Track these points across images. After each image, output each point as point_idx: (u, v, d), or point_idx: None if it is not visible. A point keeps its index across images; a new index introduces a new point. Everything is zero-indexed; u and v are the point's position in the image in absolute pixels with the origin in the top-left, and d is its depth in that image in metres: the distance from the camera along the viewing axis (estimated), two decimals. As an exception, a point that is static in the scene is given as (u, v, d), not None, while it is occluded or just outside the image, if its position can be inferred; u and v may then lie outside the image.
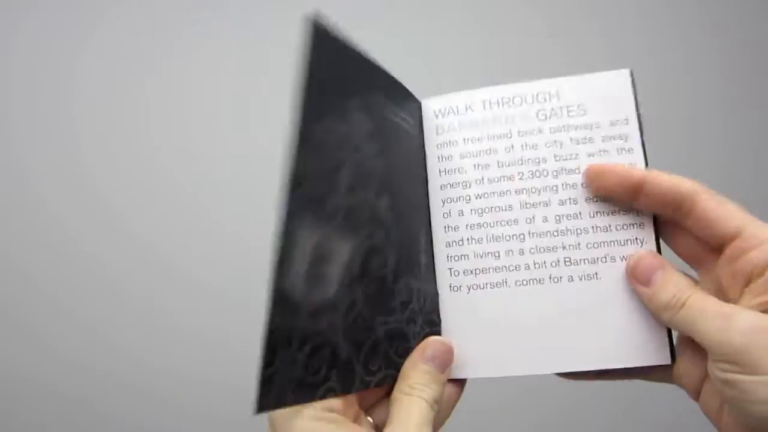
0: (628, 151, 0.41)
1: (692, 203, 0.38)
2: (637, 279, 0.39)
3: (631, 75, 0.43)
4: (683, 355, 0.40)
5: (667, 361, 0.39)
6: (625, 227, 0.41)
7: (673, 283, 0.38)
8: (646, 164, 0.41)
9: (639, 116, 0.42)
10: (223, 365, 0.95)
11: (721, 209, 0.37)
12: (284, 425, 0.35)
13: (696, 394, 0.39)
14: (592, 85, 0.43)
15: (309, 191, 0.32)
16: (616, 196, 0.40)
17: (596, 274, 0.40)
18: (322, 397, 0.34)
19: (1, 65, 1.00)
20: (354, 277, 0.35)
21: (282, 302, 0.30)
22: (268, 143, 0.96)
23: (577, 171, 0.41)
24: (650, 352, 0.40)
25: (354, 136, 0.36)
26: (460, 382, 0.41)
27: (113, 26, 1.01)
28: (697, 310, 0.36)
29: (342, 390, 0.35)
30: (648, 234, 0.41)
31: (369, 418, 0.40)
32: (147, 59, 1.01)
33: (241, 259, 0.98)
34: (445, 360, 0.40)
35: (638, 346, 0.40)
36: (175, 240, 0.99)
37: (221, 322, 0.97)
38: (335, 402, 0.36)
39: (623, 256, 0.40)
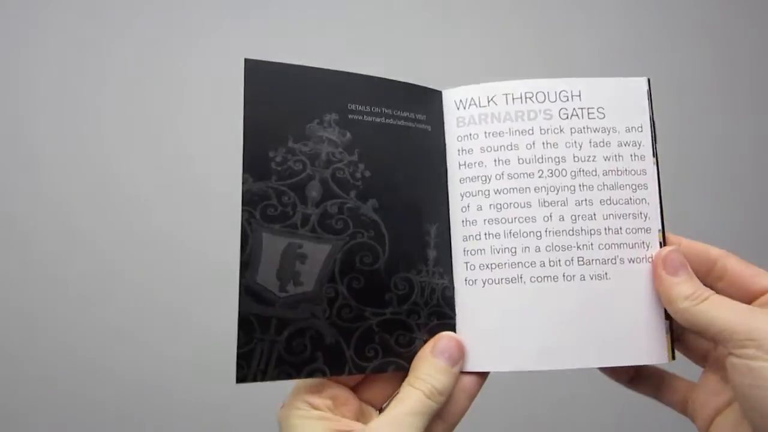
0: (641, 158, 0.43)
1: (724, 266, 0.42)
2: (666, 268, 0.41)
3: (648, 84, 0.44)
4: (701, 388, 0.43)
5: (665, 360, 0.42)
6: (634, 231, 0.42)
7: (697, 281, 0.41)
8: (657, 171, 0.43)
9: (653, 125, 0.44)
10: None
11: (750, 268, 0.41)
12: (283, 424, 0.39)
13: (705, 429, 0.42)
14: (612, 90, 0.44)
15: (272, 206, 0.40)
16: None
17: (606, 274, 0.42)
18: (309, 375, 0.39)
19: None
20: (335, 273, 0.40)
21: (252, 295, 0.38)
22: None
23: (593, 173, 0.42)
24: (651, 352, 0.42)
25: (323, 152, 0.41)
26: (480, 375, 0.42)
27: (114, 25, 1.01)
28: (722, 303, 0.39)
29: (332, 372, 0.40)
30: (653, 238, 0.43)
31: None
32: (148, 58, 1.02)
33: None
34: (454, 354, 0.40)
35: (641, 346, 0.42)
36: (190, 236, 0.99)
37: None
38: (323, 401, 0.39)
39: (630, 259, 0.42)
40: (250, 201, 0.39)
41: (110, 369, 0.95)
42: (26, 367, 0.94)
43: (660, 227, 0.43)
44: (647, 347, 0.42)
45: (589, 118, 0.43)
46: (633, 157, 0.43)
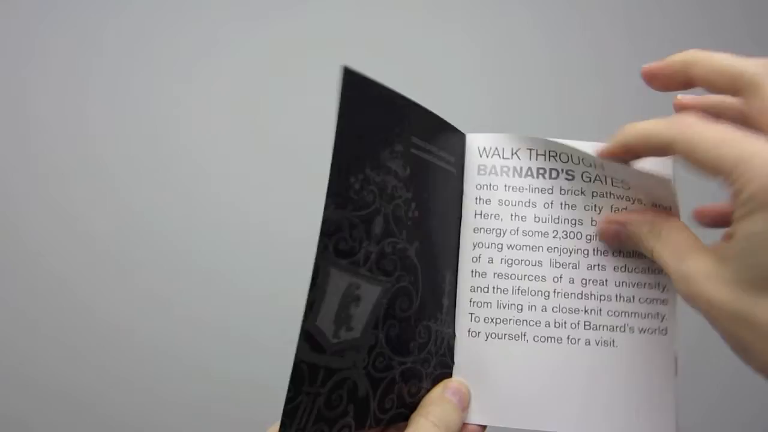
0: None
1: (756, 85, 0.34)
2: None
3: (673, 166, 0.41)
4: None
5: None
6: (648, 301, 0.41)
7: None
8: None
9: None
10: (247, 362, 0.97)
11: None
12: None
13: None
14: (634, 168, 0.39)
15: (344, 239, 0.34)
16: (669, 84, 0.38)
17: (613, 341, 0.40)
18: (339, 431, 0.36)
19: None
20: (379, 319, 0.37)
21: (310, 341, 0.33)
22: (293, 138, 0.98)
23: None
24: (657, 428, 0.40)
25: (389, 185, 0.37)
26: (479, 426, 0.41)
27: (116, 25, 1.02)
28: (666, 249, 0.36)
29: (357, 427, 0.37)
30: (670, 311, 0.41)
31: None
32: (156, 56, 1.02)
33: (266, 256, 1.01)
34: (465, 399, 0.40)
35: (646, 420, 0.40)
36: (199, 237, 1.00)
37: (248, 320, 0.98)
38: None
39: (642, 329, 0.40)
40: (327, 231, 0.33)
41: (110, 370, 0.97)
42: (26, 368, 0.96)
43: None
44: (652, 422, 0.40)
45: (613, 186, 0.41)
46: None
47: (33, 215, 0.97)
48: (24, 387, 0.95)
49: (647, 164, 0.39)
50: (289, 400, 0.33)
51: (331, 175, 0.33)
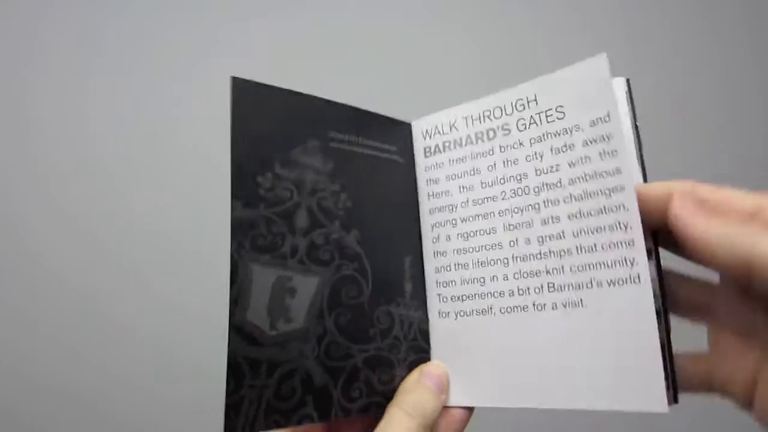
0: (611, 154, 0.36)
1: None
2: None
3: (608, 62, 0.36)
4: (720, 355, 0.35)
5: (664, 408, 0.33)
6: (612, 246, 0.35)
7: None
8: (642, 166, 0.36)
9: (632, 109, 0.37)
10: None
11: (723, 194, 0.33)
12: None
13: (747, 399, 0.33)
14: (569, 81, 0.38)
15: (261, 235, 0.36)
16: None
17: (581, 301, 0.36)
18: (299, 422, 0.36)
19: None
20: (323, 308, 0.38)
21: (243, 335, 0.35)
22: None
23: (558, 185, 0.38)
24: (642, 396, 0.33)
25: (308, 180, 0.38)
26: (466, 409, 0.40)
27: (116, 25, 1.02)
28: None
29: (320, 417, 0.37)
30: (639, 252, 0.34)
31: None
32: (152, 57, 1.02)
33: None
34: (443, 382, 0.39)
35: (628, 388, 0.34)
36: (199, 237, 1.00)
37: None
38: None
39: (610, 281, 0.35)
40: (239, 229, 0.35)
41: (110, 369, 0.96)
42: (26, 368, 0.95)
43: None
44: (637, 388, 0.34)
45: (548, 122, 0.38)
46: (603, 155, 0.36)
47: (33, 215, 0.97)
48: (24, 387, 0.94)
49: (581, 72, 0.37)
50: (230, 393, 0.33)
51: (233, 177, 0.36)
